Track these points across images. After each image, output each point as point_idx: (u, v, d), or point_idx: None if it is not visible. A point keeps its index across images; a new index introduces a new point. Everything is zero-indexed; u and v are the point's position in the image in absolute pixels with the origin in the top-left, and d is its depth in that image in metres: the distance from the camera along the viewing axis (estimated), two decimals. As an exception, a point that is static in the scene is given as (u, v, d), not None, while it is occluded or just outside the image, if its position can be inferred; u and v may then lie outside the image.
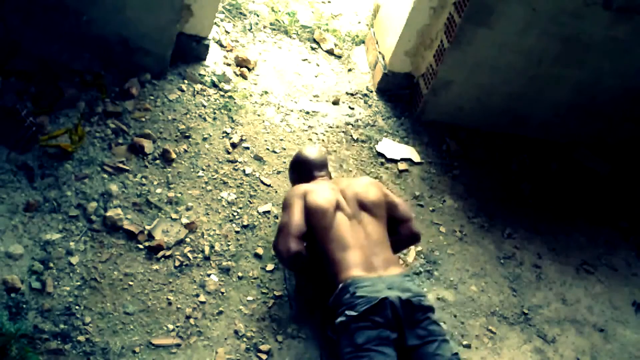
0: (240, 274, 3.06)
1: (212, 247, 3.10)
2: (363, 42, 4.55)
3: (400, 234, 3.07)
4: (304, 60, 4.31)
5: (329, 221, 2.88)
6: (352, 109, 4.09)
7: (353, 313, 2.64)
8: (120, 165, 3.20)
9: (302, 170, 3.20)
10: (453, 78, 3.96)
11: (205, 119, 3.61)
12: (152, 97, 3.55)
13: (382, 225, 2.97)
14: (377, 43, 4.32)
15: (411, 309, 2.70)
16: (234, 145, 3.56)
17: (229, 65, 3.98)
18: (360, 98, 4.18)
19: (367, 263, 2.81)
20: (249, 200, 3.36)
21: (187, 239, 3.09)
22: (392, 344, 2.63)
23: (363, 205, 2.98)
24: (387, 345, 2.62)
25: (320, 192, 2.97)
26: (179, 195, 3.22)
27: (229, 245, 3.14)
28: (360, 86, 4.26)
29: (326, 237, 2.87)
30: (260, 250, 3.17)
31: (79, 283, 2.79)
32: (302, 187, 3.02)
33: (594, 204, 4.17)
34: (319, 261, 2.95)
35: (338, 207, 2.94)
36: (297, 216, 2.89)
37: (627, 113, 4.34)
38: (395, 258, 2.96)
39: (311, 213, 2.91)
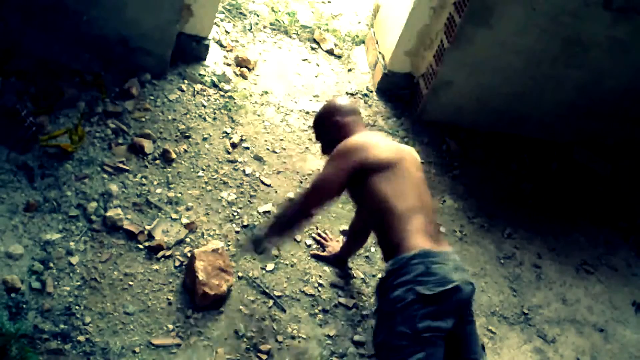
0: (240, 274, 3.06)
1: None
2: (363, 42, 4.55)
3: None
4: (304, 60, 4.31)
5: (393, 173, 2.57)
6: (352, 109, 4.08)
7: (426, 292, 2.34)
8: (120, 165, 3.20)
9: (341, 122, 2.83)
10: (453, 78, 3.96)
11: (205, 119, 3.61)
12: (152, 97, 3.55)
13: (429, 192, 2.69)
14: (377, 43, 4.32)
15: (469, 297, 2.48)
16: (234, 145, 3.56)
17: (229, 65, 3.99)
18: (360, 98, 4.18)
19: (430, 232, 2.50)
20: (249, 200, 3.36)
21: (187, 239, 3.09)
22: (445, 336, 2.39)
23: (417, 167, 2.70)
24: (442, 338, 2.38)
25: (381, 142, 2.67)
26: (179, 195, 3.22)
27: (228, 245, 3.14)
28: (360, 86, 4.26)
29: (388, 192, 2.53)
30: (260, 250, 3.17)
31: (79, 283, 2.78)
32: (361, 140, 2.69)
33: (594, 204, 4.17)
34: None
35: (401, 160, 2.62)
36: (338, 180, 2.63)
37: (627, 113, 4.34)
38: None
39: (373, 165, 2.58)
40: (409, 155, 2.75)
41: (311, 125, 3.76)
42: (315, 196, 2.69)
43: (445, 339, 2.40)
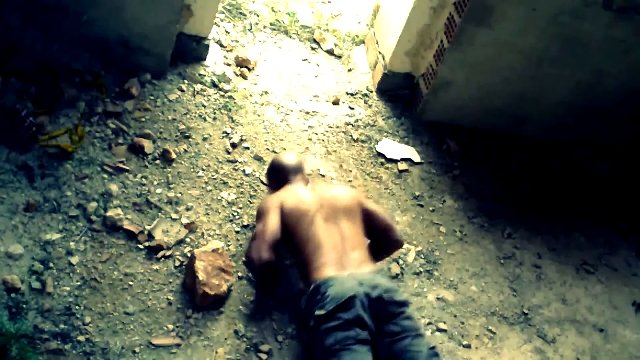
0: (240, 274, 3.06)
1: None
2: (363, 42, 4.55)
3: (382, 242, 3.08)
4: (304, 60, 4.31)
5: (306, 223, 2.88)
6: (352, 109, 4.08)
7: (322, 312, 2.61)
8: (120, 165, 3.20)
9: (279, 176, 3.19)
10: (453, 78, 3.96)
11: (205, 119, 3.61)
12: (152, 97, 3.55)
13: (357, 228, 2.95)
14: (377, 43, 4.32)
15: (383, 304, 2.68)
16: (234, 145, 3.56)
17: (229, 65, 3.98)
18: (360, 98, 4.18)
19: (340, 262, 2.78)
20: (249, 200, 3.36)
21: (187, 239, 3.09)
22: (365, 342, 2.59)
23: (338, 209, 2.95)
24: (360, 344, 2.58)
25: (297, 195, 2.99)
26: (179, 195, 3.22)
27: (229, 245, 3.14)
28: (360, 86, 4.26)
29: (302, 238, 2.86)
30: (260, 250, 3.17)
31: (79, 283, 2.79)
32: (278, 196, 3.02)
33: (594, 204, 4.17)
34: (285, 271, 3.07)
35: (315, 209, 2.93)
36: (272, 225, 2.88)
37: (627, 113, 4.34)
38: (370, 259, 2.91)
39: (289, 215, 2.91)
40: (334, 198, 2.99)
41: (311, 125, 3.80)
42: (256, 244, 2.86)
43: (367, 344, 2.59)
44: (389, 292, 2.73)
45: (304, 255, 2.84)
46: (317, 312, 2.62)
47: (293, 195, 3.00)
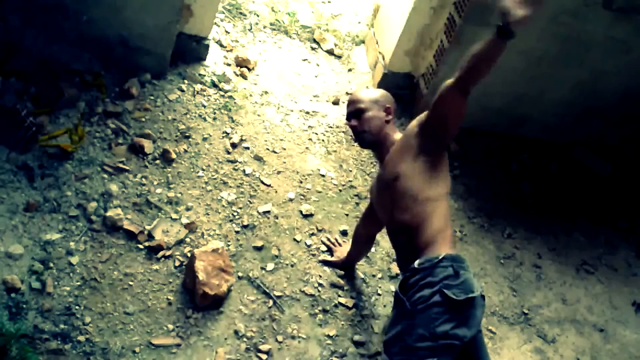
0: (240, 274, 3.06)
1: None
2: (363, 42, 4.55)
3: None
4: (304, 60, 4.31)
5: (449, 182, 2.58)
6: (352, 109, 4.08)
7: (452, 296, 2.31)
8: (120, 165, 3.20)
9: (391, 115, 2.77)
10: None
11: (205, 119, 3.61)
12: (152, 97, 3.55)
13: None
14: (377, 43, 4.32)
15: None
16: (234, 145, 3.55)
17: (229, 65, 3.98)
18: (360, 98, 4.18)
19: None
20: (249, 200, 3.36)
21: (187, 239, 3.09)
22: (462, 343, 2.34)
23: None
24: (458, 348, 2.33)
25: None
26: (179, 195, 3.22)
27: (229, 245, 3.14)
28: (360, 86, 4.25)
29: (447, 186, 2.55)
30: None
31: (79, 283, 2.79)
32: None
33: (594, 204, 4.17)
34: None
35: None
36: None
37: (627, 113, 4.34)
38: None
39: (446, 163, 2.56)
40: None
41: (311, 125, 3.76)
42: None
43: (460, 350, 2.36)
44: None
45: (440, 207, 2.48)
46: (449, 294, 2.31)
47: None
